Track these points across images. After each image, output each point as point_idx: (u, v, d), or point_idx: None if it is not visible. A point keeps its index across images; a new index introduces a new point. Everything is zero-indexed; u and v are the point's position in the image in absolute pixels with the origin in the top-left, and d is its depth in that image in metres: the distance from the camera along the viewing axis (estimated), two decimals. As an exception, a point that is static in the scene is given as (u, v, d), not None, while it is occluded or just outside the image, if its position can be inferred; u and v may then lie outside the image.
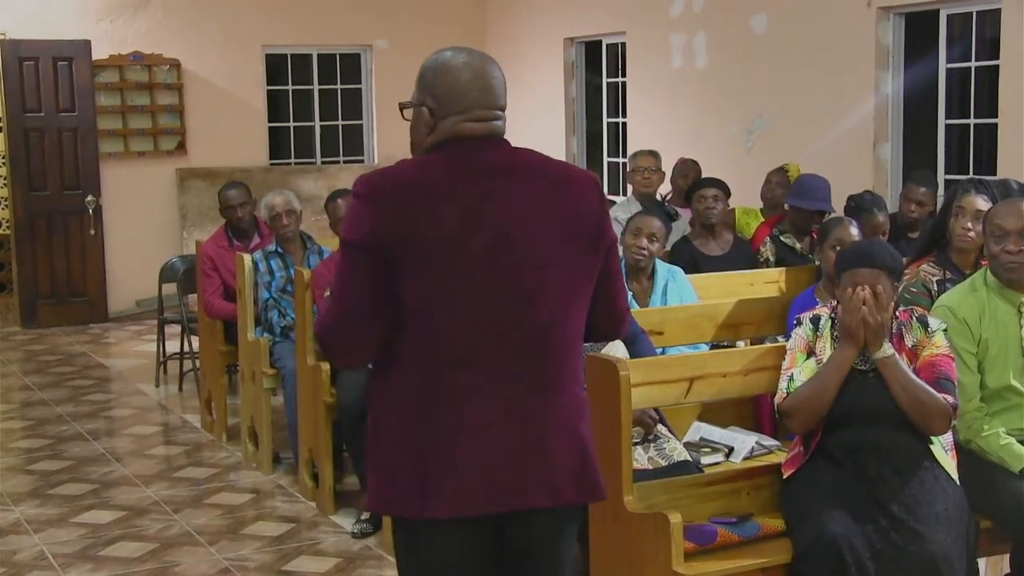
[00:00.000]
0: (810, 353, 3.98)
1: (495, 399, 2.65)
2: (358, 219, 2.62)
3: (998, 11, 7.18)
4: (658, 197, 7.36)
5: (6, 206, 10.74)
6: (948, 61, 7.63)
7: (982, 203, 4.62)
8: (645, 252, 5.21)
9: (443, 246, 2.59)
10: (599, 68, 10.88)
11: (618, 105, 10.67)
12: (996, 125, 7.24)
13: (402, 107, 2.81)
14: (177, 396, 8.21)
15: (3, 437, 7.21)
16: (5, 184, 10.71)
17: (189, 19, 11.13)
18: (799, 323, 4.07)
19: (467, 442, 2.64)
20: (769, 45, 8.64)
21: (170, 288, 8.47)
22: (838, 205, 6.39)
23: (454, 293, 2.61)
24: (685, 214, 6.96)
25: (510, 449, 2.66)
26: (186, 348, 8.23)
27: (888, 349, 3.81)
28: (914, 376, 3.80)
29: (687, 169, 7.66)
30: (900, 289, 4.57)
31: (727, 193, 6.56)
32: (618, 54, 10.56)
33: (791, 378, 3.93)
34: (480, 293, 2.62)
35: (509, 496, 2.67)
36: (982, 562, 4.23)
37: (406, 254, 2.58)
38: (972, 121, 7.68)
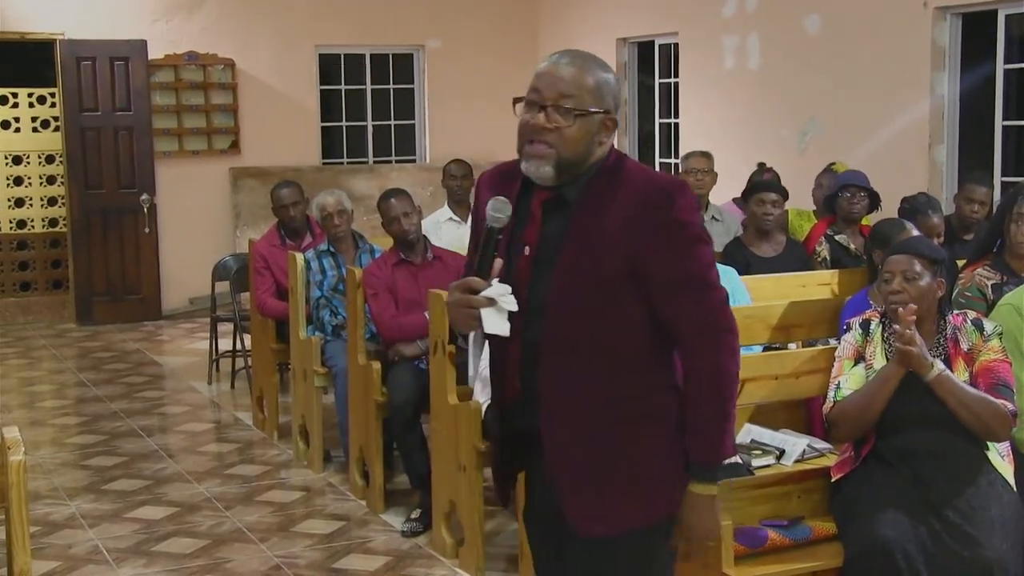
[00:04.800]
0: (859, 359, 3.95)
1: None
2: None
3: (1058, 11, 7.10)
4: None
5: (63, 204, 10.86)
6: (1006, 62, 7.54)
7: None
8: None
9: None
10: (652, 69, 10.84)
11: (670, 106, 10.63)
12: (1055, 127, 7.15)
13: (586, 112, 2.63)
14: (229, 394, 8.29)
15: (58, 433, 7.31)
16: (62, 182, 10.83)
17: (243, 19, 11.23)
18: (848, 328, 4.04)
19: None
20: (822, 46, 8.57)
21: (223, 286, 8.54)
22: (893, 207, 6.32)
23: None
24: (737, 214, 6.90)
25: None
26: (238, 346, 8.30)
27: (937, 368, 3.76)
28: (969, 388, 3.76)
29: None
30: (955, 294, 4.52)
31: (785, 197, 6.51)
32: (670, 55, 10.52)
33: (838, 387, 3.91)
34: None
35: None
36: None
37: None
38: (1030, 123, 7.60)
